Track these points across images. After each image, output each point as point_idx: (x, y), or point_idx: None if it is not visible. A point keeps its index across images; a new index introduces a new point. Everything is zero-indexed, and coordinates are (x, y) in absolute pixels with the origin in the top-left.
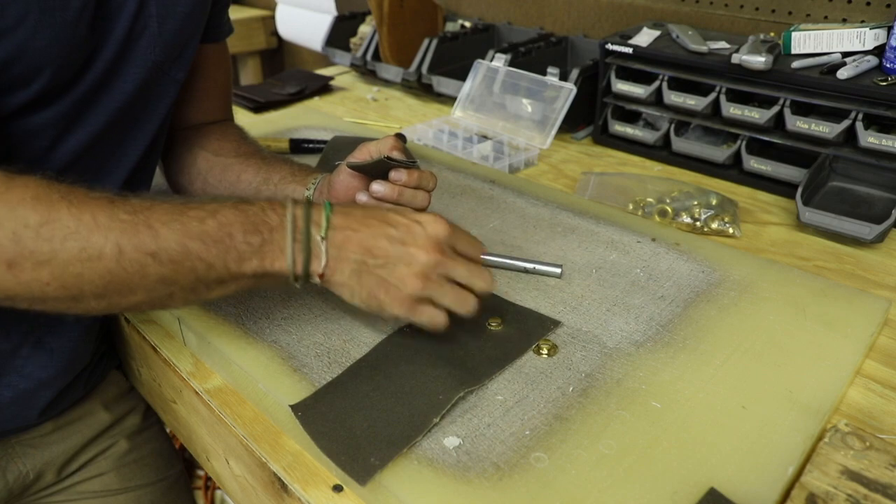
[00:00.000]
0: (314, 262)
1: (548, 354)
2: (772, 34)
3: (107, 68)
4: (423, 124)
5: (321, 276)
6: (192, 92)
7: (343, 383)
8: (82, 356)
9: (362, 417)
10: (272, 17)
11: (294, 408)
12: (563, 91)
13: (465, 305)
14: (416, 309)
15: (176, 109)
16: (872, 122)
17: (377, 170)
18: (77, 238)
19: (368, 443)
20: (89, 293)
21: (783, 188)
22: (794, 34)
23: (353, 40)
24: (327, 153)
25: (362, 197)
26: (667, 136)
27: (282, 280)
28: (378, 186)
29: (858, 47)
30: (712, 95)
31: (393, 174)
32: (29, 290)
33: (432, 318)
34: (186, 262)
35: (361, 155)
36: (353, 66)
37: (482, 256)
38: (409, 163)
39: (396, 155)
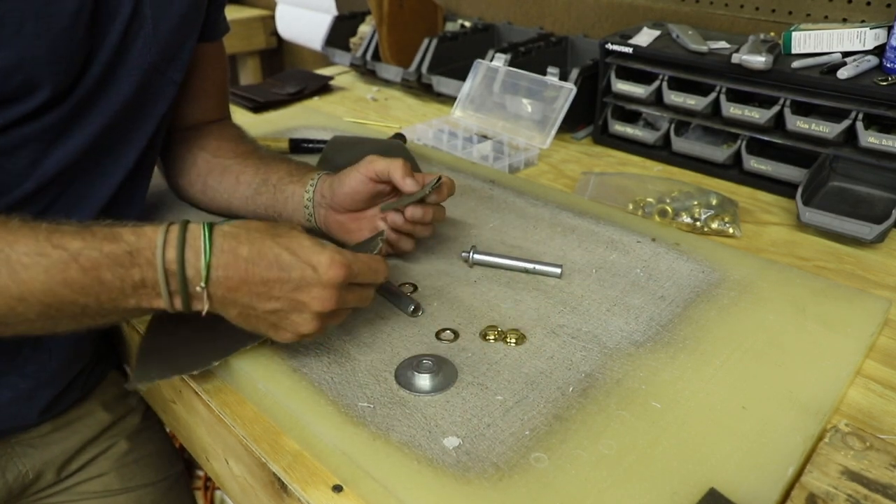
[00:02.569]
0: (196, 304)
1: (516, 343)
2: (772, 34)
3: (103, 72)
4: (423, 124)
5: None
6: (190, 92)
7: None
8: (80, 356)
9: (181, 341)
10: (272, 17)
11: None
12: (563, 91)
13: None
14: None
15: (173, 110)
16: (873, 122)
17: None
18: None
19: (170, 361)
20: None
21: (783, 188)
22: (794, 34)
23: (353, 40)
24: (327, 153)
25: (381, 224)
26: (667, 136)
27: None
28: (396, 217)
29: (858, 47)
30: (712, 95)
31: (409, 210)
32: None
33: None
34: (57, 304)
35: (368, 171)
36: (352, 65)
37: (480, 257)
38: (433, 185)
39: (409, 184)
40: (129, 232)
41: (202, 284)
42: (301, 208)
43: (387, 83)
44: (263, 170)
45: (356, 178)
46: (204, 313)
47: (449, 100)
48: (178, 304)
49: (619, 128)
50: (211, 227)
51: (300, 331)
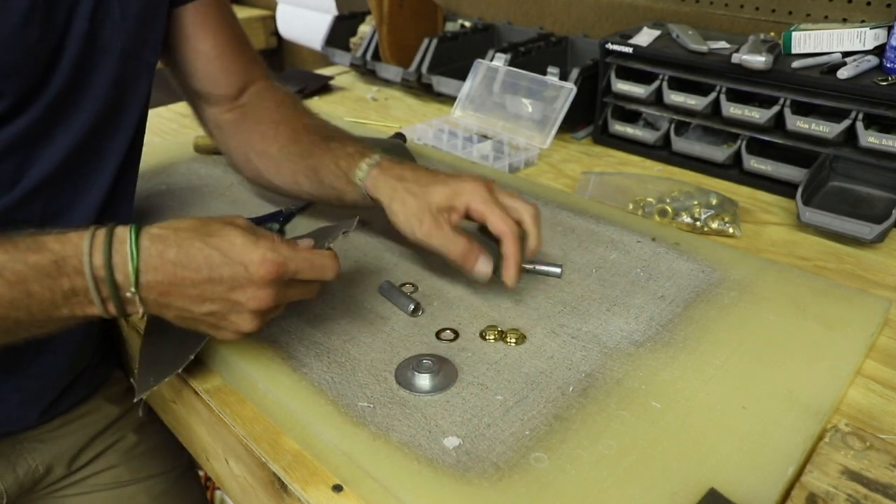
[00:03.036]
0: (130, 309)
1: (516, 343)
2: (772, 34)
3: (74, 67)
4: (423, 124)
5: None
6: (203, 62)
7: None
8: (83, 357)
9: (171, 342)
10: (272, 17)
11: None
12: (563, 91)
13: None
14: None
15: (200, 91)
16: (873, 122)
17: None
18: None
19: (162, 364)
20: None
21: (783, 188)
22: (794, 34)
23: (353, 40)
24: None
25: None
26: (667, 135)
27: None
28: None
29: (859, 47)
30: (712, 95)
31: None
32: None
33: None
34: None
35: (427, 240)
36: (352, 65)
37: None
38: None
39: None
40: (54, 240)
41: (132, 289)
42: (373, 205)
43: (387, 83)
44: (313, 168)
45: (410, 234)
46: (141, 317)
47: (449, 100)
48: (112, 309)
49: (619, 128)
50: (138, 229)
51: (241, 330)
